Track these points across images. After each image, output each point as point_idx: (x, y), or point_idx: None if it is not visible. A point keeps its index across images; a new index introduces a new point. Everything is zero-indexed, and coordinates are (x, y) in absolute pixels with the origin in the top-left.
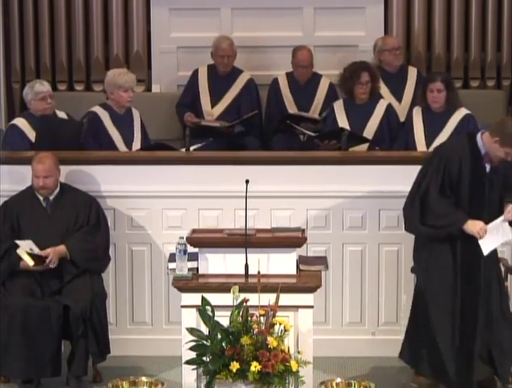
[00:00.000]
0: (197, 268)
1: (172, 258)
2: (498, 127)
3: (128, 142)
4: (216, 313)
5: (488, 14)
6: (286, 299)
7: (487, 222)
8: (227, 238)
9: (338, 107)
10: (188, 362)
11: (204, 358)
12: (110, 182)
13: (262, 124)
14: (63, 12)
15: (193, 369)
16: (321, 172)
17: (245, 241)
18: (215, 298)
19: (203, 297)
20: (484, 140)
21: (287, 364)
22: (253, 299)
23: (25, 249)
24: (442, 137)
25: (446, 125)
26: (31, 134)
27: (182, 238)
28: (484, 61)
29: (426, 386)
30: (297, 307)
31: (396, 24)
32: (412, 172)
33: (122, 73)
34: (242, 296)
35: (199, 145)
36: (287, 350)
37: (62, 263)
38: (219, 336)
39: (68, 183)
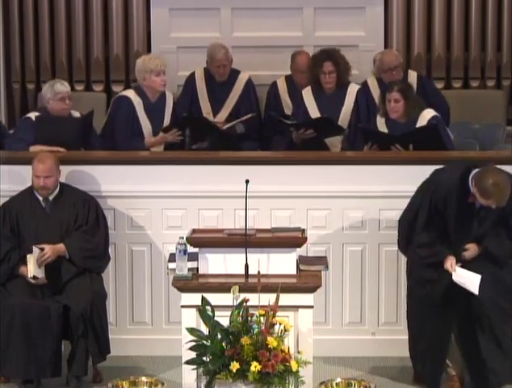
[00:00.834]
0: (197, 268)
1: (172, 258)
2: (478, 178)
3: (156, 132)
4: (216, 313)
5: (488, 14)
6: (286, 299)
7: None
8: (227, 238)
9: (307, 94)
10: (188, 362)
11: (204, 358)
12: (110, 182)
13: (261, 124)
14: (63, 12)
15: (193, 369)
16: (321, 172)
17: (245, 241)
18: (215, 298)
19: (203, 297)
20: (472, 181)
21: (287, 364)
22: (254, 299)
23: (34, 258)
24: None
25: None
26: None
27: (182, 238)
28: (484, 61)
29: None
30: (297, 307)
31: (396, 24)
32: (412, 172)
33: (152, 57)
34: (242, 296)
35: (199, 145)
36: (287, 350)
37: (62, 263)
38: (219, 336)
39: (68, 183)
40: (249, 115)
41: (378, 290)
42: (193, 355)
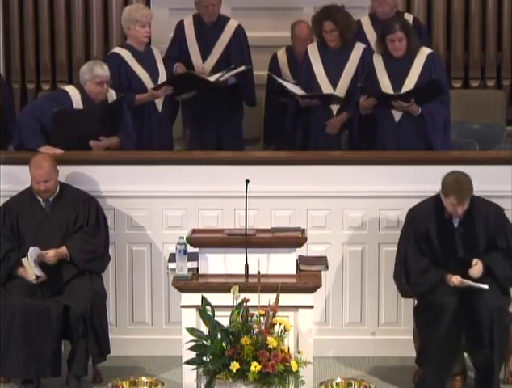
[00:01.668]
0: (197, 268)
1: (172, 258)
2: (442, 180)
3: (155, 78)
4: (216, 313)
5: (489, 14)
6: (286, 299)
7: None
8: (227, 238)
9: (312, 50)
10: (188, 362)
11: (204, 358)
12: (110, 182)
13: (252, 76)
14: (63, 12)
15: (193, 369)
16: (321, 172)
17: (245, 241)
18: (215, 298)
19: (203, 297)
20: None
21: (287, 364)
22: (253, 299)
23: (30, 260)
24: (410, 82)
25: (411, 70)
26: (78, 104)
27: (182, 238)
28: (484, 61)
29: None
30: (297, 307)
31: None
32: (412, 172)
33: (138, 8)
34: (242, 296)
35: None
36: (287, 350)
37: (62, 263)
38: (219, 336)
39: (67, 183)
40: (243, 68)
41: (378, 290)
42: (193, 355)
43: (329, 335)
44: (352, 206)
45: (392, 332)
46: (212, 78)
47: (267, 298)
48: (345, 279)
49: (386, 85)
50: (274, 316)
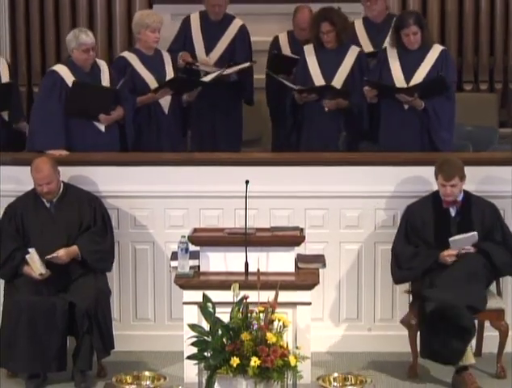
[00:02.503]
0: (198, 266)
1: (174, 256)
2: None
3: (161, 80)
4: (217, 309)
5: (482, 20)
6: (284, 296)
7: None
8: (227, 237)
9: (308, 51)
10: (190, 357)
11: (205, 353)
12: (113, 182)
13: (252, 75)
14: (68, 19)
15: (194, 364)
16: (319, 173)
17: (245, 240)
18: (216, 295)
19: (204, 294)
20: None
21: (286, 359)
22: (253, 296)
23: (35, 257)
24: (420, 74)
25: (424, 62)
26: (70, 80)
27: (184, 236)
28: (477, 65)
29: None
30: (295, 304)
31: None
32: (406, 173)
33: (150, 13)
34: (242, 293)
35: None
36: (285, 345)
37: (69, 262)
38: (219, 332)
39: (71, 183)
40: (247, 64)
41: (374, 287)
42: (194, 350)
43: (327, 330)
44: (349, 206)
45: (387, 328)
46: (207, 79)
47: (266, 295)
48: (342, 276)
49: (398, 76)
50: (273, 313)
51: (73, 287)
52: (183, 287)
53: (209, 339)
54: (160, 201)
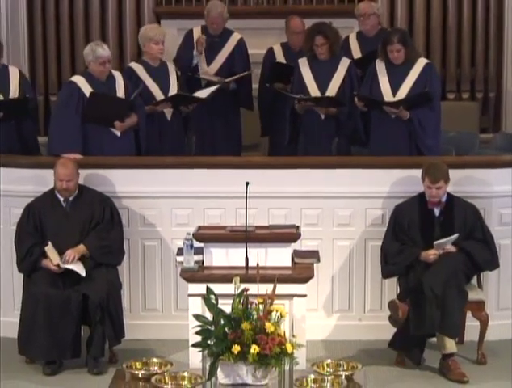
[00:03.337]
0: (202, 261)
1: (180, 252)
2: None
3: (165, 90)
4: (220, 301)
5: (463, 35)
6: (282, 289)
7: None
8: (229, 234)
9: (303, 63)
10: (194, 345)
11: (209, 341)
12: (124, 184)
13: (251, 83)
14: (81, 33)
15: (199, 351)
16: (314, 175)
17: (245, 237)
18: (218, 288)
19: (207, 286)
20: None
21: (283, 346)
22: (253, 289)
23: (51, 249)
24: (406, 86)
25: (409, 75)
26: (87, 90)
27: (189, 234)
28: (459, 76)
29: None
30: (292, 296)
31: None
32: (394, 175)
33: (153, 27)
34: (243, 286)
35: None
36: (283, 334)
37: (81, 257)
38: (222, 322)
39: (86, 185)
40: (245, 73)
41: (364, 281)
42: (199, 338)
43: (321, 320)
44: (341, 206)
45: (376, 318)
46: (204, 95)
47: (265, 288)
48: (334, 271)
49: (386, 87)
50: (271, 304)
51: (86, 280)
52: (188, 280)
53: (212, 328)
54: (167, 201)
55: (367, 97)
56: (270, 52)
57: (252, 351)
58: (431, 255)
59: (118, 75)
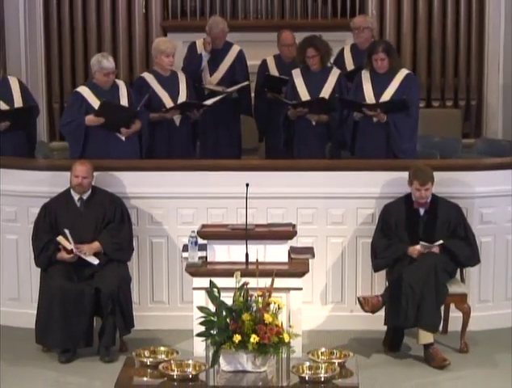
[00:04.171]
0: (206, 257)
1: (185, 248)
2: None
3: (175, 98)
4: (222, 294)
5: (448, 47)
6: (279, 282)
7: None
8: (231, 232)
9: (296, 74)
10: (198, 335)
11: (212, 331)
12: (134, 185)
13: (250, 91)
14: (94, 46)
15: (202, 341)
16: (309, 177)
17: (245, 234)
18: (220, 282)
19: (210, 280)
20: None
21: (281, 336)
22: (253, 282)
23: (67, 234)
24: (388, 93)
25: (391, 84)
26: (94, 101)
27: (194, 231)
28: (443, 85)
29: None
30: (289, 289)
31: None
32: (383, 177)
33: (166, 41)
34: (243, 280)
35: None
36: (280, 325)
37: (94, 253)
38: (224, 313)
39: (98, 186)
40: (245, 83)
41: (355, 275)
42: (202, 329)
43: (315, 312)
44: (334, 206)
45: None
46: (210, 102)
47: (264, 282)
48: (328, 266)
49: (369, 94)
50: (269, 296)
51: (98, 275)
52: (193, 274)
53: (215, 319)
54: (173, 201)
55: (347, 99)
56: (264, 63)
57: (252, 340)
58: (417, 250)
59: (121, 84)
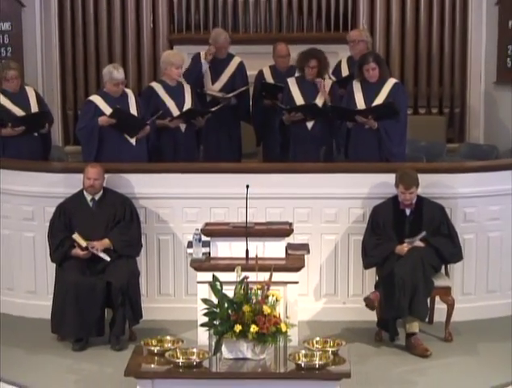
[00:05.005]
0: (209, 253)
1: (190, 245)
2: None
3: (180, 106)
4: (224, 287)
5: (433, 59)
6: (277, 276)
7: None
8: (232, 230)
9: (292, 82)
10: (202, 325)
11: (215, 322)
12: (142, 186)
13: (249, 98)
14: (105, 57)
15: (206, 330)
16: (305, 179)
17: (246, 232)
18: (223, 276)
19: (213, 275)
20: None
21: (278, 326)
22: (252, 276)
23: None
24: (378, 102)
25: (381, 92)
26: (105, 108)
27: (198, 229)
28: (429, 94)
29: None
30: (286, 283)
31: None
32: (374, 179)
33: (175, 53)
34: (244, 274)
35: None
36: (278, 315)
37: (105, 250)
38: (226, 305)
39: (109, 187)
40: (244, 88)
41: (348, 269)
42: (206, 319)
43: (310, 304)
44: (328, 205)
45: (358, 302)
46: (213, 109)
47: (263, 276)
48: (322, 261)
49: (361, 103)
50: (268, 289)
51: (109, 269)
52: (197, 269)
53: (217, 310)
54: (178, 201)
55: (339, 107)
56: (261, 73)
57: (251, 330)
58: (404, 248)
59: (130, 93)
